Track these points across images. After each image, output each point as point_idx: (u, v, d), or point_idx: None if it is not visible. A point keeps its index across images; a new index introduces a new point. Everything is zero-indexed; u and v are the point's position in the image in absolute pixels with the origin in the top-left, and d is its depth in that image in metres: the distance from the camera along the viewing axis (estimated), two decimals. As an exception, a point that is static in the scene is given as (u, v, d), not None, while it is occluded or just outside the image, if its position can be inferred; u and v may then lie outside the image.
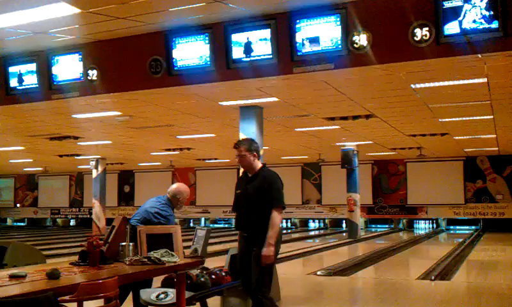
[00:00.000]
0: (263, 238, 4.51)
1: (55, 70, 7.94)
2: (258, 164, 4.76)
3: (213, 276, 5.64)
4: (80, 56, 7.72)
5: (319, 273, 9.58)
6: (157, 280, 5.38)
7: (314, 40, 6.42)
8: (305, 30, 6.44)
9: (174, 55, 7.13)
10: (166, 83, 7.41)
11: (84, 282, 3.43)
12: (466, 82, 7.78)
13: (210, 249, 10.24)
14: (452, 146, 16.99)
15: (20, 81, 8.25)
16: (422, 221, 22.86)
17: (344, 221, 22.29)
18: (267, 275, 4.59)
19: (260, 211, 4.57)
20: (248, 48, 6.69)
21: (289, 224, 24.97)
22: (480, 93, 8.67)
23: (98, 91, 7.87)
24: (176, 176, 25.35)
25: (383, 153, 19.73)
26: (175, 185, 5.52)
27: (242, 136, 9.36)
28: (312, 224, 24.81)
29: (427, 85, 8.02)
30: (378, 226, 23.55)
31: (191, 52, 7.04)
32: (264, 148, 9.71)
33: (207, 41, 6.92)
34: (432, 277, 8.86)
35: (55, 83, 8.01)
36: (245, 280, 4.71)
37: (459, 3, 5.68)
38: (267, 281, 4.59)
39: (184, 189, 5.46)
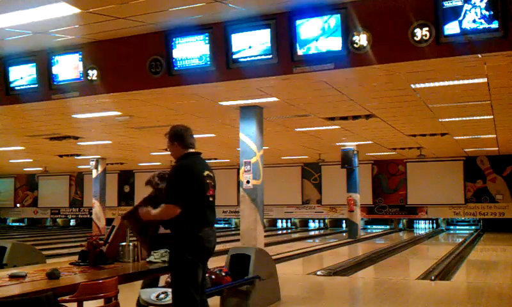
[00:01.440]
0: (175, 243, 4.04)
1: (55, 70, 7.94)
2: (181, 153, 4.25)
3: (213, 276, 5.66)
4: (80, 56, 7.71)
5: (319, 273, 9.57)
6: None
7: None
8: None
9: (174, 55, 7.13)
10: (166, 83, 7.41)
11: (84, 282, 3.43)
12: (466, 82, 7.77)
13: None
14: (452, 146, 16.98)
15: (20, 81, 8.25)
16: (422, 221, 22.85)
17: (344, 221, 22.29)
18: (181, 285, 3.97)
19: None
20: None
21: (289, 224, 24.97)
22: (480, 93, 8.67)
23: (98, 91, 7.87)
24: (176, 176, 25.32)
25: (383, 153, 19.71)
26: None
27: (242, 136, 9.37)
28: (311, 224, 24.79)
29: (427, 85, 8.01)
30: (374, 226, 23.51)
31: (191, 52, 7.03)
32: (264, 148, 9.71)
33: (206, 41, 6.91)
34: (432, 277, 8.86)
35: (55, 83, 8.01)
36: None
37: (459, 3, 5.68)
38: (181, 292, 3.95)
39: None
